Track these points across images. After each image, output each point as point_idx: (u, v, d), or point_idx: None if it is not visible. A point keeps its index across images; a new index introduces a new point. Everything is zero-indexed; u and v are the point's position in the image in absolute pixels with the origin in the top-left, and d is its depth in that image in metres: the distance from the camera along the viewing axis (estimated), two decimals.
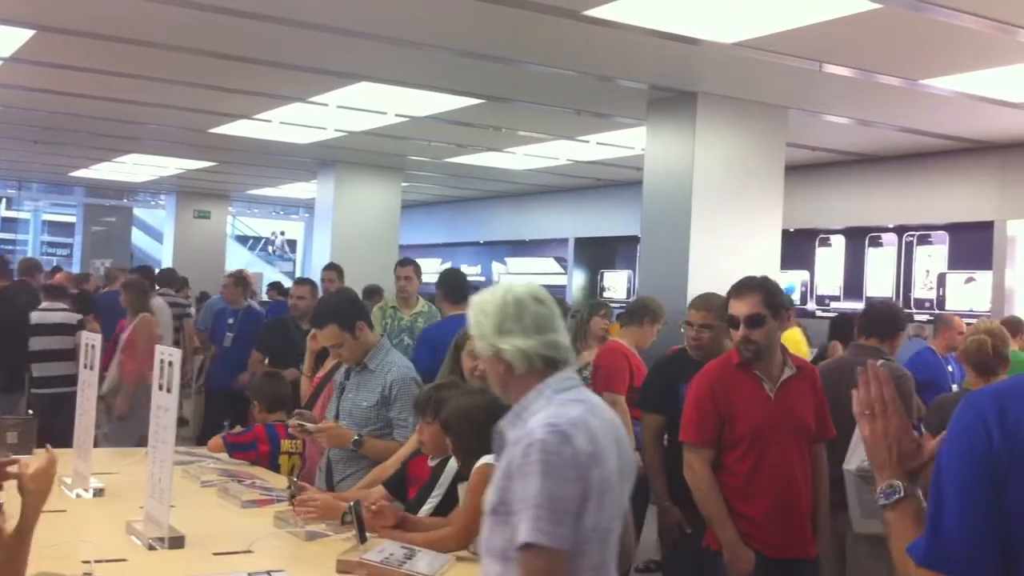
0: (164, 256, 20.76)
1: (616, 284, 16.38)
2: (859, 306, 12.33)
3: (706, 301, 5.07)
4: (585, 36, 7.30)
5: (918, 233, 12.03)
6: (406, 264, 8.13)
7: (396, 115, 10.69)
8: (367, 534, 3.44)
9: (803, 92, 8.79)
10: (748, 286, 4.21)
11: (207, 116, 11.41)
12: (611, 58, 8.03)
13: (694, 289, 8.56)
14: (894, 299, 12.05)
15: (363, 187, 14.94)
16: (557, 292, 16.57)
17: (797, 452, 4.12)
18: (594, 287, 16.74)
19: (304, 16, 7.14)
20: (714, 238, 8.82)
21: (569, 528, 2.26)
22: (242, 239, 28.76)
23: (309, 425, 4.42)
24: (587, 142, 11.85)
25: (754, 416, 4.07)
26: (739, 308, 4.10)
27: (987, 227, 10.99)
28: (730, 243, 8.86)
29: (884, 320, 5.48)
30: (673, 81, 8.75)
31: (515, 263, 18.31)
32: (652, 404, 5.07)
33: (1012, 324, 7.61)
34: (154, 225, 26.39)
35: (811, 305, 12.94)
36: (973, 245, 11.28)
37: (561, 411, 2.37)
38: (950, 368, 7.55)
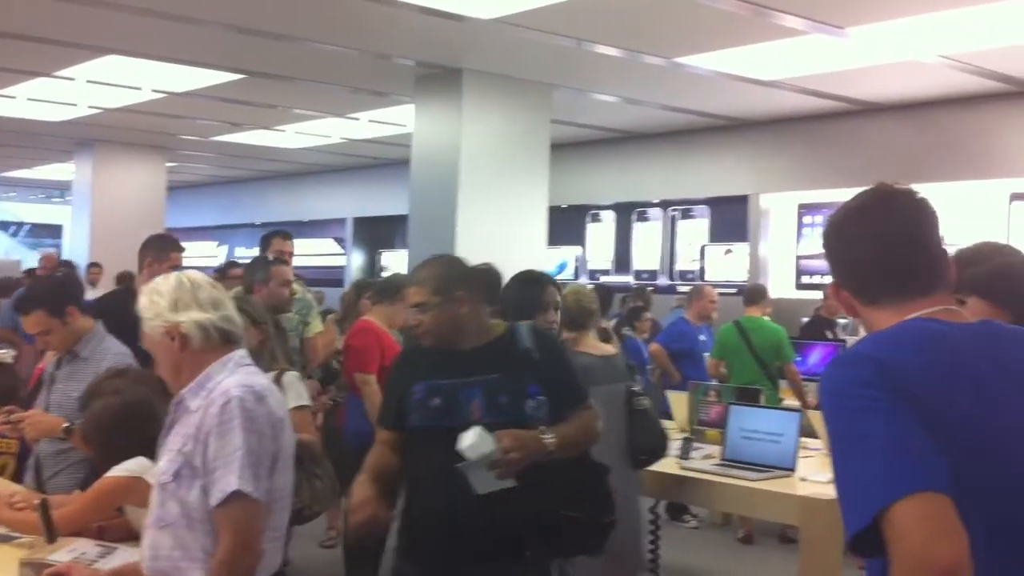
0: None
1: (395, 264, 16.27)
2: (628, 279, 12.71)
3: (424, 272, 3.33)
4: (353, 11, 7.14)
5: (681, 208, 12.49)
6: (288, 238, 6.49)
7: (153, 91, 10.18)
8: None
9: (567, 70, 8.90)
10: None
11: None
12: (379, 34, 7.90)
13: None
14: (660, 271, 12.48)
15: (125, 168, 14.22)
16: (336, 273, 16.39)
17: None
18: (373, 267, 16.58)
19: None
20: (482, 215, 8.83)
21: (265, 483, 2.36)
22: (3, 225, 26.91)
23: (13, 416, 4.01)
24: (358, 120, 11.67)
25: None
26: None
27: (743, 201, 11.51)
28: (498, 220, 8.90)
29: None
30: (439, 58, 8.68)
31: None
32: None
33: (757, 292, 7.98)
34: None
35: (583, 279, 13.22)
36: (731, 218, 11.80)
37: (250, 379, 2.45)
38: (702, 337, 7.84)
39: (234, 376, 2.44)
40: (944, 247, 1.70)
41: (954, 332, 1.59)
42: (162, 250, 4.88)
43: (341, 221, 16.94)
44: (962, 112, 9.54)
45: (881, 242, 1.67)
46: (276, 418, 2.42)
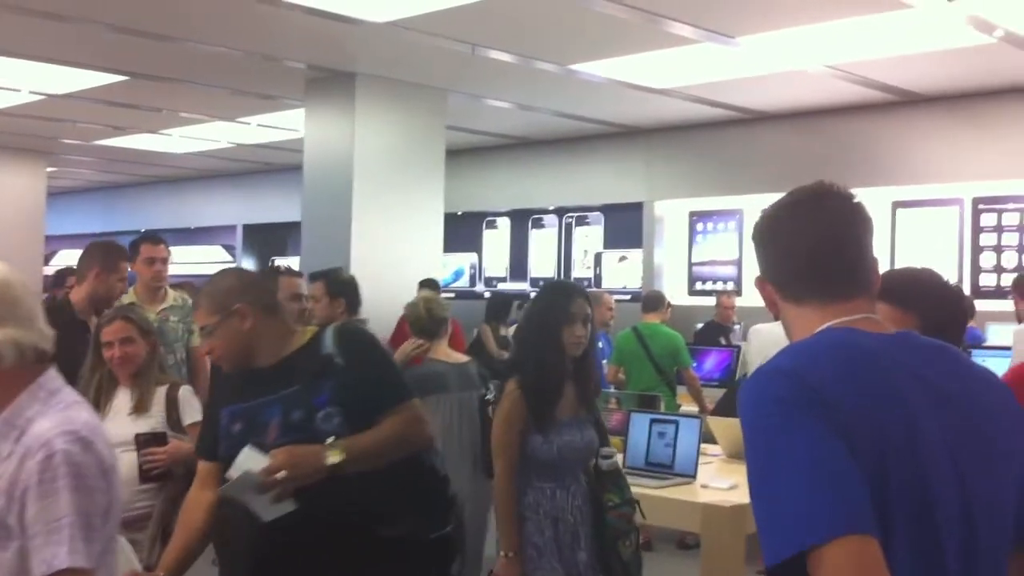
0: None
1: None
2: (524, 286, 12.70)
3: (200, 293, 3.03)
4: (240, 12, 6.95)
5: (576, 214, 12.53)
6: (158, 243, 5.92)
7: (31, 92, 9.79)
8: None
9: (462, 75, 8.84)
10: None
11: None
12: (268, 36, 7.72)
13: (356, 275, 8.43)
14: (556, 278, 12.49)
15: (2, 173, 13.69)
16: None
17: None
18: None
19: None
20: (376, 222, 8.71)
21: (98, 544, 2.01)
22: None
23: None
24: (248, 124, 11.41)
25: None
26: None
27: (637, 208, 11.60)
28: (393, 227, 8.79)
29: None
30: (331, 61, 8.53)
31: (179, 252, 17.41)
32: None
33: (655, 299, 8.03)
34: None
35: (480, 287, 13.17)
36: (625, 225, 11.88)
37: (70, 415, 2.05)
38: (600, 344, 7.83)
39: (50, 416, 2.03)
40: (874, 254, 1.67)
41: (876, 345, 1.55)
42: (108, 258, 4.50)
43: (231, 228, 16.56)
44: (847, 121, 9.78)
45: (812, 240, 1.63)
46: (107, 465, 2.05)
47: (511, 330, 9.97)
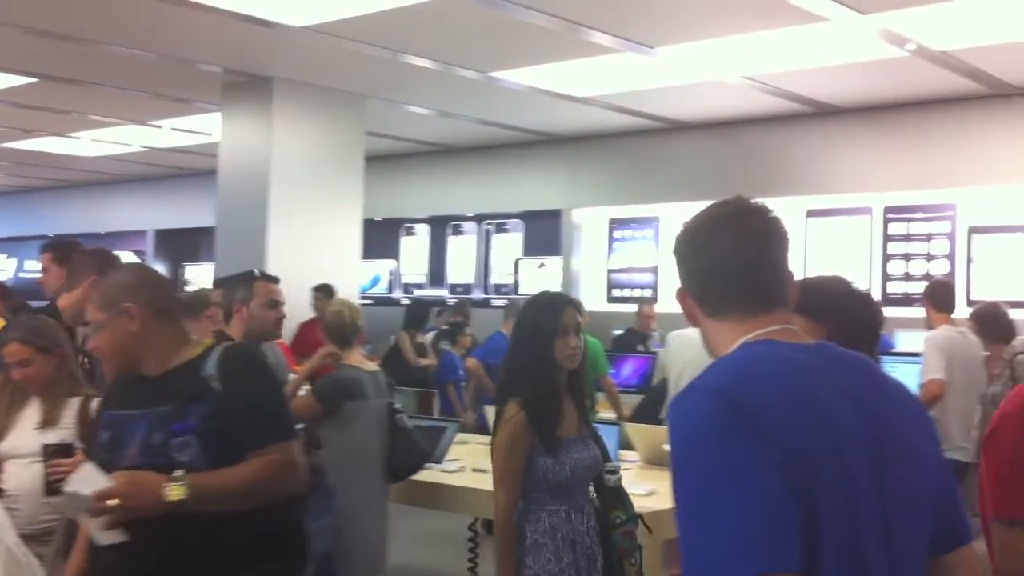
0: None
1: (200, 278, 15.68)
2: (443, 293, 12.65)
3: (99, 288, 2.81)
4: (154, 14, 6.79)
5: (496, 221, 12.53)
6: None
7: None
8: None
9: (381, 81, 8.78)
10: None
11: None
12: (183, 38, 7.58)
13: None
14: (475, 285, 12.47)
15: None
16: None
17: None
18: (176, 281, 15.93)
19: None
20: (294, 228, 8.60)
21: None
22: None
23: None
24: (161, 127, 11.18)
25: None
26: None
27: (556, 215, 11.64)
28: (311, 233, 8.69)
29: None
30: (247, 65, 8.41)
31: None
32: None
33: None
34: None
35: (397, 293, 13.08)
36: (544, 232, 11.91)
37: None
38: None
39: None
40: (790, 268, 1.69)
41: (801, 359, 1.56)
42: (105, 268, 4.07)
43: (141, 233, 16.21)
44: (763, 131, 9.94)
45: (733, 258, 1.64)
46: None
47: (428, 337, 9.94)
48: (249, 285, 4.09)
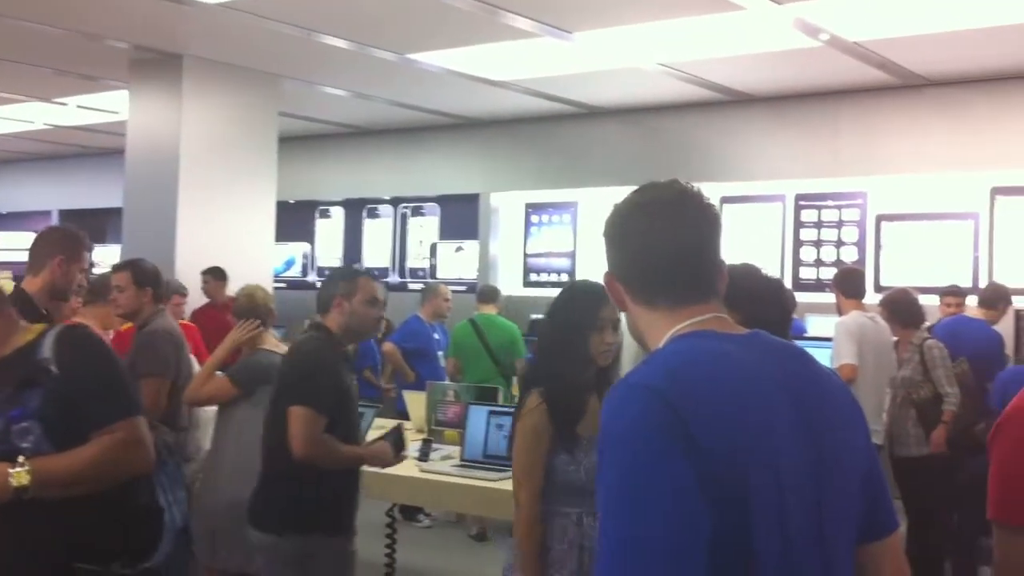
0: None
1: (108, 260, 15.28)
2: None
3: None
4: None
5: (412, 205, 12.44)
6: None
7: None
8: None
9: (295, 60, 8.62)
10: None
11: None
12: (89, 13, 7.33)
13: (183, 265, 8.14)
14: (391, 269, 12.38)
15: None
16: None
17: None
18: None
19: None
20: (205, 210, 8.41)
21: None
22: None
23: None
24: (66, 105, 10.84)
25: None
26: None
27: (473, 199, 11.59)
28: (222, 215, 8.51)
29: None
30: (157, 42, 8.18)
31: None
32: None
33: (491, 290, 8.04)
34: None
35: (311, 277, 12.92)
36: (461, 216, 11.86)
37: None
38: (436, 336, 7.80)
39: None
40: (721, 256, 1.66)
41: (735, 351, 1.54)
42: (72, 246, 4.00)
43: (46, 213, 15.71)
44: (679, 118, 10.02)
45: (668, 245, 1.61)
46: None
47: None
48: (352, 280, 3.96)
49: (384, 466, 4.03)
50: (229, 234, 8.31)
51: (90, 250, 4.17)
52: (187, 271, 8.06)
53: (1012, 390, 2.26)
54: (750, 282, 2.40)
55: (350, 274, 4.11)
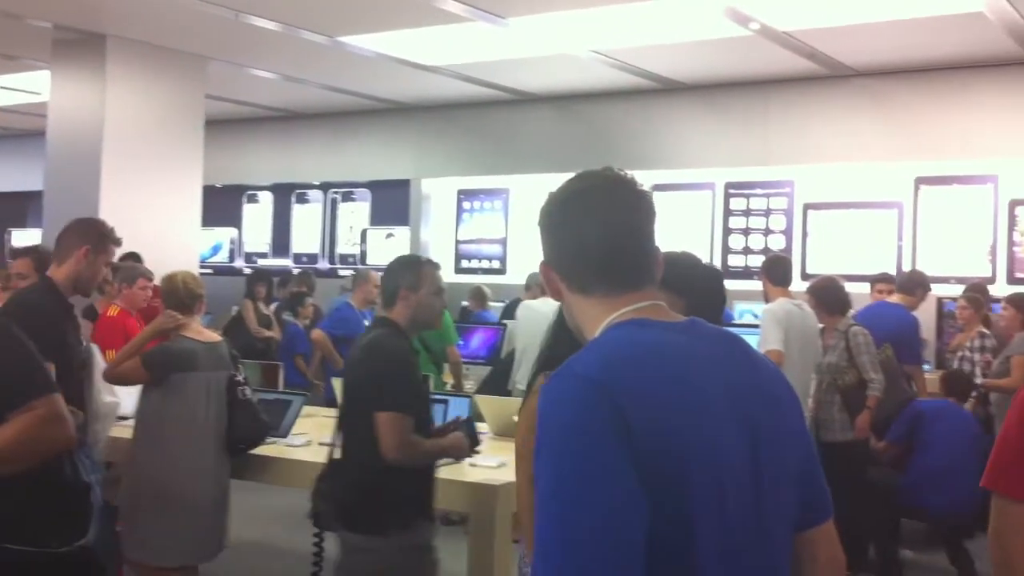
0: None
1: (27, 244, 14.90)
2: (287, 263, 12.38)
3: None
4: None
5: (342, 190, 12.32)
6: None
7: None
8: None
9: (223, 42, 8.46)
10: None
11: None
12: None
13: None
14: (320, 255, 12.26)
15: None
16: None
17: None
18: (1, 247, 15.12)
19: None
20: (129, 193, 8.22)
21: None
22: None
23: None
24: None
25: None
26: None
27: (404, 185, 11.52)
28: (147, 199, 8.32)
29: None
30: (80, 21, 7.97)
31: None
32: None
33: None
34: None
35: (239, 262, 12.73)
36: (392, 202, 11.79)
37: None
38: (367, 323, 7.71)
39: None
40: (657, 244, 1.65)
41: (673, 340, 1.53)
42: (101, 237, 3.97)
43: None
44: (611, 106, 10.05)
45: (604, 232, 1.58)
46: None
47: (272, 308, 9.71)
48: (416, 270, 3.81)
49: (460, 459, 3.96)
50: (154, 219, 8.14)
51: (118, 244, 4.16)
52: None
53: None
54: (696, 270, 2.42)
55: (413, 264, 3.94)
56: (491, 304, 9.63)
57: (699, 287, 2.32)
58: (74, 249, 3.86)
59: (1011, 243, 8.85)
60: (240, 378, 4.55)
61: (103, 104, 8.16)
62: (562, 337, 3.30)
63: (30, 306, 3.75)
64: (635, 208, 1.62)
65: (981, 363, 6.91)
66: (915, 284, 7.10)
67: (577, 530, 1.35)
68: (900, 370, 6.33)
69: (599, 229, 1.58)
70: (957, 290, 7.93)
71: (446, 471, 4.46)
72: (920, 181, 9.18)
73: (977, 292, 7.31)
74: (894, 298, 7.08)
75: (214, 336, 4.86)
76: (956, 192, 9.08)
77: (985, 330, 7.11)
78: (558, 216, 1.63)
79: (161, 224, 8.33)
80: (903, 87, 8.84)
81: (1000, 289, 8.16)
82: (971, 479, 6.10)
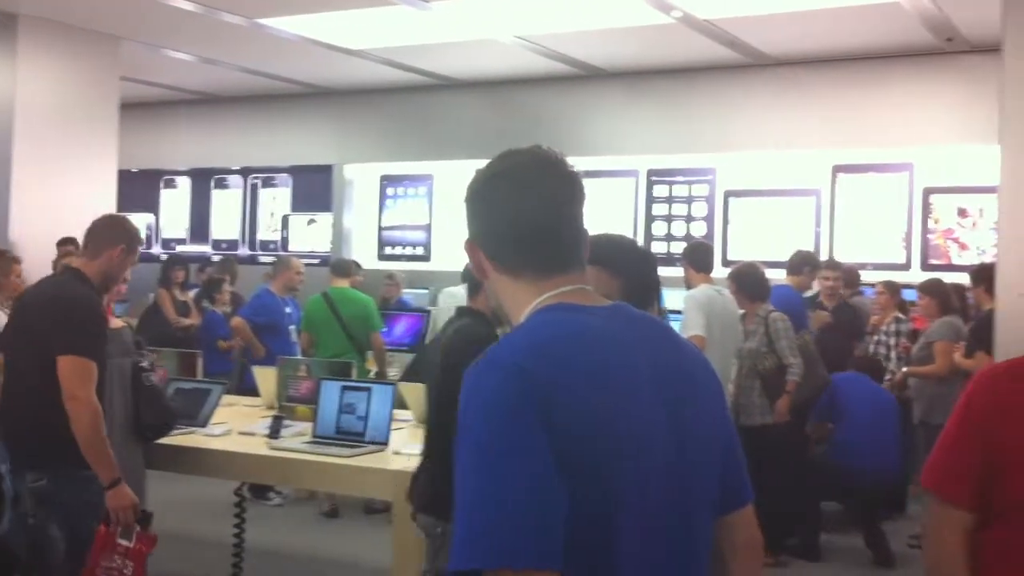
0: None
1: None
2: (206, 249, 12.16)
3: None
4: None
5: (263, 175, 12.13)
6: None
7: None
8: None
9: (137, 22, 8.26)
10: None
11: None
12: None
13: (17, 238, 7.74)
14: (240, 241, 12.07)
15: None
16: None
17: None
18: None
19: None
20: (40, 178, 8.01)
21: None
22: None
23: None
24: None
25: None
26: None
27: (327, 170, 11.38)
28: (60, 184, 8.12)
29: None
30: None
31: None
32: None
33: (346, 264, 7.90)
34: None
35: (156, 249, 12.47)
36: (314, 188, 11.64)
37: None
38: (288, 310, 7.63)
39: None
40: (585, 226, 1.63)
41: (598, 325, 1.51)
42: (135, 242, 4.02)
43: None
44: (535, 92, 10.04)
45: (533, 212, 1.56)
46: None
47: (191, 295, 9.52)
48: None
49: None
50: (67, 204, 7.93)
51: (141, 245, 4.23)
52: (23, 242, 7.65)
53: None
54: (633, 253, 2.43)
55: None
56: (405, 290, 9.66)
57: (633, 269, 2.32)
58: (108, 247, 3.90)
59: (925, 230, 9.05)
60: (144, 364, 4.45)
61: (14, 85, 7.93)
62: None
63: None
64: (563, 188, 1.59)
65: (897, 348, 7.07)
66: (802, 263, 7.21)
67: (496, 515, 1.33)
68: (818, 355, 6.44)
69: (526, 209, 1.56)
70: (874, 276, 8.09)
71: (369, 460, 4.44)
72: (837, 169, 9.33)
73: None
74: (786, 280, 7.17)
75: (117, 322, 4.75)
76: (872, 180, 9.25)
77: (901, 315, 7.26)
78: (485, 194, 1.60)
79: (75, 209, 8.07)
80: (821, 76, 8.97)
81: (915, 275, 8.34)
82: (889, 446, 6.29)
